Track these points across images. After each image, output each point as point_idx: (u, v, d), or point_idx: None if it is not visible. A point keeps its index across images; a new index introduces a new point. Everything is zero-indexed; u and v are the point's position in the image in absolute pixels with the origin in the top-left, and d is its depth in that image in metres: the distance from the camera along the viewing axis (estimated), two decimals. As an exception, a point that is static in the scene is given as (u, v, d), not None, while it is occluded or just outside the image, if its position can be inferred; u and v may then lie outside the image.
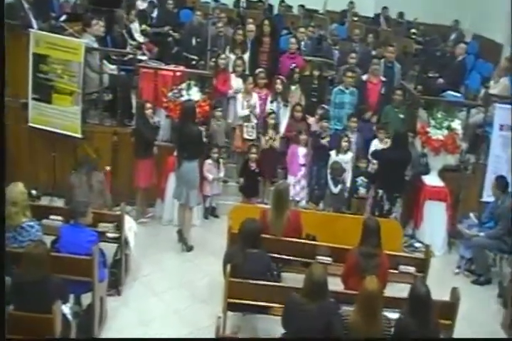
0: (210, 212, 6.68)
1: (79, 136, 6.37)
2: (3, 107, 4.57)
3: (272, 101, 6.82)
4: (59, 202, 5.97)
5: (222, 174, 6.54)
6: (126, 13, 7.98)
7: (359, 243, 4.39)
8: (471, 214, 6.15)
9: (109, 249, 5.07)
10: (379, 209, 6.09)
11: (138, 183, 6.21)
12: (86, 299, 4.61)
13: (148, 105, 6.12)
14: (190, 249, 5.91)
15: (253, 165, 6.45)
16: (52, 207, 5.38)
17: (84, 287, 4.48)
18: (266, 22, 7.23)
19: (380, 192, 6.07)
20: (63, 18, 7.17)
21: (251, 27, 7.66)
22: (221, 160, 6.54)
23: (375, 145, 6.58)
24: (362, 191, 6.29)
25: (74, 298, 4.60)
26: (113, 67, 6.73)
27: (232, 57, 7.14)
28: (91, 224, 4.69)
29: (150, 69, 6.67)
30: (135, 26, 8.29)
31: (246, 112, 6.70)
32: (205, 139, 6.13)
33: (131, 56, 6.88)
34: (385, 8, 12.09)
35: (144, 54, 7.84)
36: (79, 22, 6.90)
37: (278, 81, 6.79)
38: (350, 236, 4.60)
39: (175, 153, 6.11)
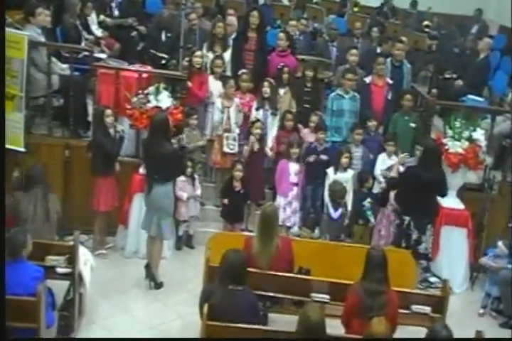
0: (185, 242, 6.74)
1: (22, 149, 6.41)
2: (3, 108, 4.73)
3: (257, 109, 6.95)
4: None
5: (198, 191, 6.63)
6: (81, 0, 8.05)
7: (361, 277, 4.47)
8: (500, 243, 6.19)
9: (60, 287, 5.08)
10: (406, 239, 6.09)
11: (96, 207, 6.26)
12: (30, 349, 4.62)
13: (109, 112, 6.19)
14: (159, 286, 5.95)
15: (238, 185, 6.55)
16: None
17: (27, 334, 4.47)
18: (254, 13, 7.33)
19: (407, 219, 6.09)
20: (-1, 4, 7.28)
21: (232, 19, 7.83)
22: (196, 176, 6.64)
23: (383, 160, 6.73)
24: (371, 219, 6.42)
25: (15, 348, 4.61)
26: (64, 66, 6.81)
27: (210, 55, 7.27)
28: (35, 257, 4.68)
29: (110, 70, 6.77)
30: (92, 17, 8.33)
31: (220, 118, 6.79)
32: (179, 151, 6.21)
33: (86, 53, 6.95)
34: None
35: (102, 51, 7.91)
36: (20, 10, 6.93)
37: (266, 84, 6.92)
38: (352, 270, 4.70)
39: (141, 170, 6.22)
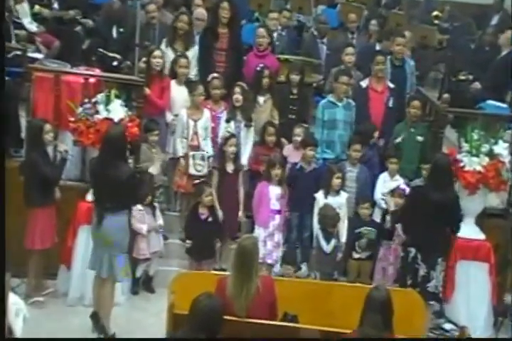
0: (143, 284, 6.78)
1: None
2: (3, 109, 4.93)
3: (228, 120, 7.03)
4: None
5: (160, 222, 6.70)
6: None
7: (359, 324, 4.57)
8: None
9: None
10: (412, 276, 6.15)
11: (31, 244, 6.27)
12: None
13: (48, 127, 6.22)
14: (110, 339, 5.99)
15: (204, 213, 6.66)
16: None
17: None
18: (224, 5, 7.44)
19: (413, 251, 6.16)
20: None
21: (200, 12, 7.92)
22: (157, 205, 6.73)
23: (384, 181, 6.90)
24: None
25: None
26: (-10, 69, 6.92)
27: (170, 53, 7.37)
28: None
29: (48, 73, 6.84)
30: (23, 7, 8.41)
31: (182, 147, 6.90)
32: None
33: (18, 52, 7.02)
34: None
35: (38, 50, 8.02)
36: None
37: (237, 89, 7.01)
38: (348, 315, 4.75)
39: (88, 197, 6.29)
